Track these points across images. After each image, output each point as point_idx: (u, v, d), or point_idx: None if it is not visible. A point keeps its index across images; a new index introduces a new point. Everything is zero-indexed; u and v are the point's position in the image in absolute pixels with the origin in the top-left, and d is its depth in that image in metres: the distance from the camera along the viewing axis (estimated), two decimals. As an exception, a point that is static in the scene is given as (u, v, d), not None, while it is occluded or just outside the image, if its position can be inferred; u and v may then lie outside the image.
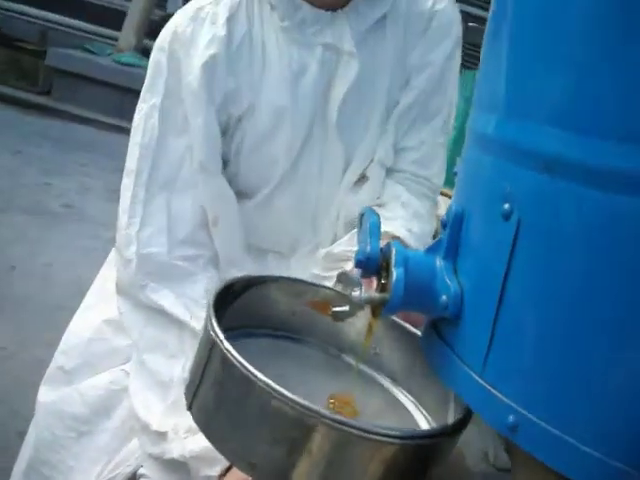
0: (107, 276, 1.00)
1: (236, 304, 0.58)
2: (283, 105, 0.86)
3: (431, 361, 0.50)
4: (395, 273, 0.45)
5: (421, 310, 0.48)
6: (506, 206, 0.42)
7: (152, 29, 5.23)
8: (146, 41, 5.09)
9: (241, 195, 0.92)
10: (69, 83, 4.69)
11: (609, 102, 0.36)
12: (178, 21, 0.86)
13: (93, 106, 4.58)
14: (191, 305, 0.82)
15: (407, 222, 0.88)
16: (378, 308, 0.47)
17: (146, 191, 0.85)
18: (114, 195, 3.05)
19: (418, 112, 0.93)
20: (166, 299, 0.82)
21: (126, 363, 0.88)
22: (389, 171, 0.96)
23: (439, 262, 0.47)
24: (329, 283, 0.83)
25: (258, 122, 0.87)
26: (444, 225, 0.48)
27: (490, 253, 0.44)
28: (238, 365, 0.45)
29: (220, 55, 0.84)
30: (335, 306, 0.54)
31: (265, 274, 0.63)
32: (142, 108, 0.87)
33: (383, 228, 0.84)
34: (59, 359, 0.95)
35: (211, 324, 0.49)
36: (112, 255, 1.03)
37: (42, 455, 0.91)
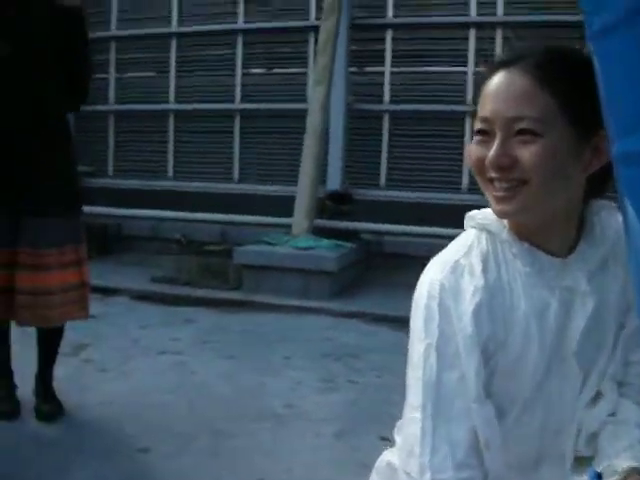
0: None
1: None
2: (530, 337, 1.01)
3: None
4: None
5: None
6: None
7: (319, 208, 5.69)
8: (317, 220, 5.53)
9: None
10: (256, 276, 5.17)
11: None
12: (441, 275, 1.03)
13: (279, 293, 4.99)
14: None
15: None
16: None
17: (432, 423, 0.99)
18: (325, 385, 3.29)
19: None
20: None
21: None
22: (618, 384, 1.09)
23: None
24: None
25: (509, 351, 1.02)
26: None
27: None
28: None
29: (483, 301, 1.00)
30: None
31: None
32: (419, 348, 1.02)
33: (630, 464, 0.96)
34: None
35: None
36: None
37: None
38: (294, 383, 3.36)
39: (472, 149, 1.01)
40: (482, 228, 1.07)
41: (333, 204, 5.80)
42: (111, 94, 7.34)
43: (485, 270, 1.03)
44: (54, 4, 2.70)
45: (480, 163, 0.99)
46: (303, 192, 5.47)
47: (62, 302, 2.69)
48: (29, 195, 2.64)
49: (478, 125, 1.00)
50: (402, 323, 4.52)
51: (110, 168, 7.46)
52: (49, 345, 2.87)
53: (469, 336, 0.99)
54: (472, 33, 6.18)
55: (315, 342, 4.12)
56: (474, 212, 1.12)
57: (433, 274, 1.05)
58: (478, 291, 1.01)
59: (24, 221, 2.63)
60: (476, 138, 1.00)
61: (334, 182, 6.13)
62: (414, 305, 1.06)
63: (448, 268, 1.04)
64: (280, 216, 5.81)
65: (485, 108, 0.98)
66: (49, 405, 2.82)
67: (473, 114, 1.04)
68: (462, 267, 1.04)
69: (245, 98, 6.84)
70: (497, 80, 0.98)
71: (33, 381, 2.89)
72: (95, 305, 3.83)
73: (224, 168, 6.92)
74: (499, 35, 6.10)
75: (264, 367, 3.60)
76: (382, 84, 6.43)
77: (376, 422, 2.84)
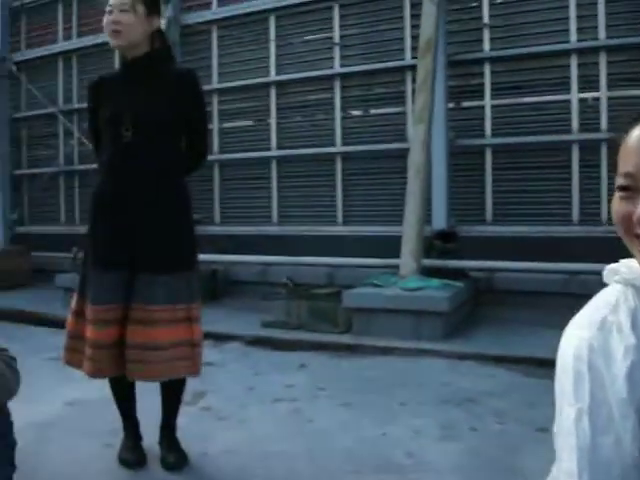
0: None
1: None
2: None
3: None
4: None
5: None
6: None
7: (426, 247, 5.63)
8: (424, 260, 5.47)
9: None
10: (365, 318, 5.14)
11: None
12: (588, 334, 1.00)
13: (390, 335, 4.93)
14: None
15: None
16: None
17: None
18: (446, 433, 3.19)
19: None
20: None
21: None
22: None
23: None
24: None
25: None
26: None
27: None
28: None
29: (635, 362, 0.96)
30: None
31: None
32: (569, 413, 0.98)
33: None
34: None
35: None
36: None
37: None
38: (413, 431, 3.27)
39: (616, 205, 1.00)
40: (628, 283, 1.04)
41: (440, 243, 5.72)
42: (215, 144, 7.59)
43: (634, 327, 0.99)
44: (170, 70, 2.82)
45: (626, 220, 0.97)
46: (409, 232, 5.44)
47: (172, 357, 2.72)
48: (144, 252, 2.71)
49: (621, 181, 0.98)
50: (520, 364, 4.36)
51: (217, 215, 7.69)
52: (172, 396, 2.93)
53: (623, 399, 0.95)
54: (574, 60, 6.01)
55: (431, 386, 4.03)
56: (616, 265, 1.08)
57: (579, 333, 1.01)
58: (630, 351, 0.97)
59: (138, 277, 2.70)
60: (619, 194, 0.99)
61: (439, 220, 6.06)
62: (559, 366, 1.03)
63: (595, 326, 1.00)
64: (387, 257, 5.78)
65: (628, 163, 0.97)
66: (174, 455, 2.87)
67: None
68: (610, 325, 1.00)
69: (345, 140, 6.92)
70: (639, 134, 0.97)
71: (158, 431, 2.95)
72: (210, 352, 3.92)
73: (328, 211, 6.99)
74: (603, 59, 5.90)
75: (381, 414, 3.53)
76: (483, 118, 6.34)
77: (502, 472, 2.73)
